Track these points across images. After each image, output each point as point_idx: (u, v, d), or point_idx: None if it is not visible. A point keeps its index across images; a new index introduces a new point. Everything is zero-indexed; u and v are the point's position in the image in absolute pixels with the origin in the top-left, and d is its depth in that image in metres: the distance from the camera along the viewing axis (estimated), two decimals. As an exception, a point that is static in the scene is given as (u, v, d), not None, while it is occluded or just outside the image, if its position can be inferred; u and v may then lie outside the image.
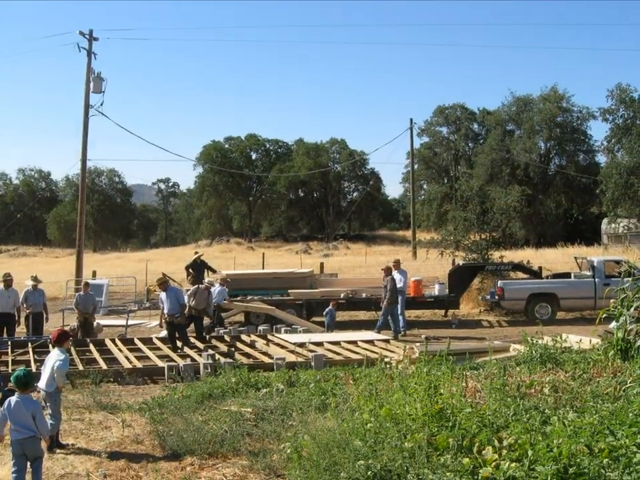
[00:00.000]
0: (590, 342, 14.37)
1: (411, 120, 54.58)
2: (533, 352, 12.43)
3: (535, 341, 12.98)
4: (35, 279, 19.46)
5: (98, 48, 36.75)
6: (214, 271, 26.36)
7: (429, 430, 7.41)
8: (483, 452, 6.77)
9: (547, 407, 8.38)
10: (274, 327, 21.47)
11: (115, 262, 54.63)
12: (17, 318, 18.98)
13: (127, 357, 16.42)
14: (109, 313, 28.13)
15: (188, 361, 15.31)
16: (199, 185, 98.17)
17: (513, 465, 6.28)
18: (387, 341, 18.41)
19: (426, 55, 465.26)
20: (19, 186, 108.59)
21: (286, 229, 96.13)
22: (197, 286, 19.59)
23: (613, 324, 13.74)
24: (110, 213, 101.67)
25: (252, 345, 18.34)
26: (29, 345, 17.21)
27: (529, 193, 60.55)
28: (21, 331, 19.67)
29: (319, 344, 17.67)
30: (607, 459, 6.19)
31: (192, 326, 19.22)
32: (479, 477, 6.33)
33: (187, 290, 19.97)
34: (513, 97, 75.15)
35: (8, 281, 18.85)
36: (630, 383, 9.18)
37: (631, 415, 7.21)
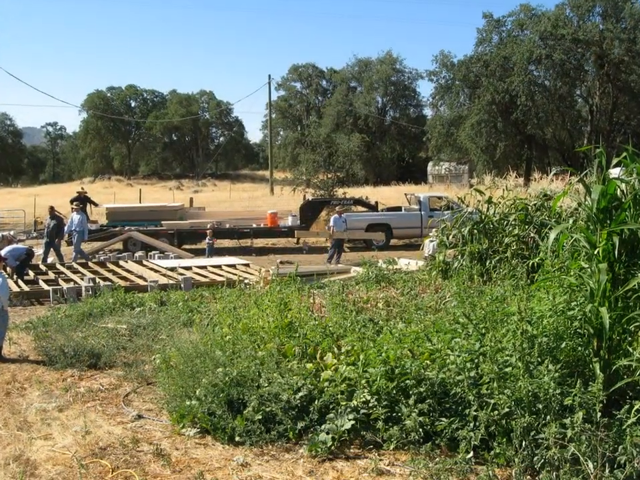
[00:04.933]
0: (416, 264, 14.73)
1: (269, 76, 55.05)
2: (370, 273, 12.61)
3: (371, 264, 13.17)
4: None
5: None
6: (96, 205, 25.59)
7: (279, 340, 7.40)
8: (325, 358, 6.82)
9: (380, 318, 8.50)
10: (148, 253, 21.04)
11: (6, 196, 52.28)
12: None
13: (15, 282, 15.65)
14: (-1, 242, 26.83)
15: (71, 285, 14.75)
16: (83, 129, 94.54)
17: (349, 367, 6.35)
18: (247, 265, 18.30)
19: (285, 21, 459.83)
20: None
21: (161, 168, 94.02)
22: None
23: (430, 245, 14.29)
24: (2, 152, 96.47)
25: (129, 270, 17.85)
26: None
27: (368, 140, 61.47)
28: None
29: (188, 268, 17.38)
30: (426, 361, 6.33)
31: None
32: (321, 379, 6.37)
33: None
34: (355, 59, 75.85)
35: None
36: (448, 297, 9.44)
37: (447, 323, 7.38)
